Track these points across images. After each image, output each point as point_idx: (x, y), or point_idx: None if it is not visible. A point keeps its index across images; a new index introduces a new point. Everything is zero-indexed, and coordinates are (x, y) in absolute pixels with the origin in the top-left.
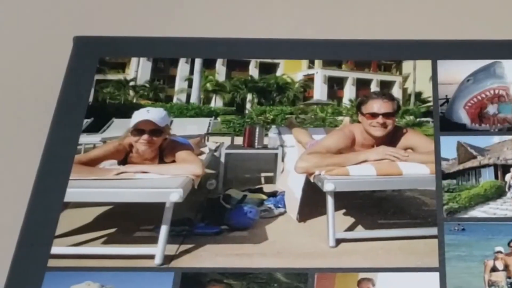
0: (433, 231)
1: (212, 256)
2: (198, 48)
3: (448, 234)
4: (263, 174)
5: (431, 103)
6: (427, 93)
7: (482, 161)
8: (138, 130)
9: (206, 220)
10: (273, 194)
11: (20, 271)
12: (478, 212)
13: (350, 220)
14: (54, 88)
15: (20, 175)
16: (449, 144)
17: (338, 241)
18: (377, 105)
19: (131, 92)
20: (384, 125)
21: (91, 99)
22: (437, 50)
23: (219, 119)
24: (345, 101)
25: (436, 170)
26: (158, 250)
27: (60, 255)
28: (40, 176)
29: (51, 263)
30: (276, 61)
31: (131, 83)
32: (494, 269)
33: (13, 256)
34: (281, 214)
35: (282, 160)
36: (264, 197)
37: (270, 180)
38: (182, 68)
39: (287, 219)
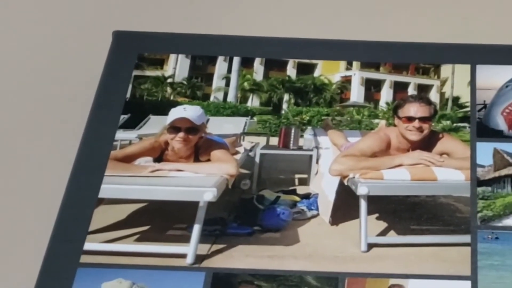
0: (466, 238)
1: (244, 257)
2: (237, 47)
3: (481, 242)
4: (297, 176)
5: (468, 108)
6: (465, 98)
7: None
8: (174, 128)
9: (239, 220)
10: (307, 196)
11: (52, 267)
12: None
13: (382, 224)
14: (92, 83)
15: (56, 170)
16: (485, 151)
17: (370, 246)
18: (413, 109)
19: (169, 89)
20: (420, 129)
21: (128, 95)
22: (476, 55)
23: (255, 118)
24: (382, 104)
25: (471, 176)
26: (190, 249)
27: (93, 252)
28: (75, 171)
29: (84, 259)
30: (314, 61)
31: (169, 80)
32: None
33: (46, 251)
34: (313, 216)
35: (317, 162)
36: (297, 198)
37: (304, 182)
38: (220, 66)
39: (320, 222)
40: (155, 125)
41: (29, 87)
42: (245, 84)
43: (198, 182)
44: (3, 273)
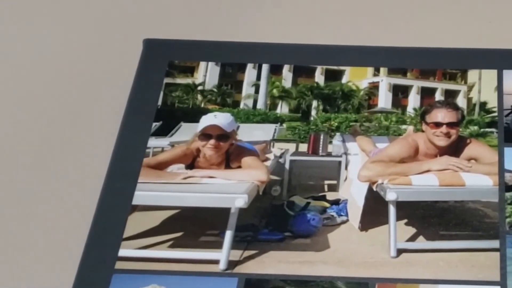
0: (495, 244)
1: (275, 263)
2: (265, 54)
3: (510, 248)
4: (326, 182)
5: (495, 114)
6: (492, 103)
7: None
8: (205, 135)
9: (270, 226)
10: (336, 202)
11: (88, 273)
12: None
13: (411, 230)
14: (124, 91)
15: (90, 177)
16: None
17: (399, 251)
18: (441, 114)
19: (199, 97)
20: (448, 135)
21: (160, 102)
22: (503, 60)
23: (284, 125)
24: (409, 109)
25: (499, 182)
26: (222, 255)
27: (128, 258)
28: (109, 178)
29: (119, 265)
30: (342, 68)
31: (199, 88)
32: None
33: (82, 257)
34: (343, 222)
35: (346, 168)
36: (327, 204)
37: (333, 188)
38: (250, 73)
39: (349, 228)
40: (186, 132)
41: (63, 96)
42: (274, 91)
43: (230, 189)
44: (39, 279)
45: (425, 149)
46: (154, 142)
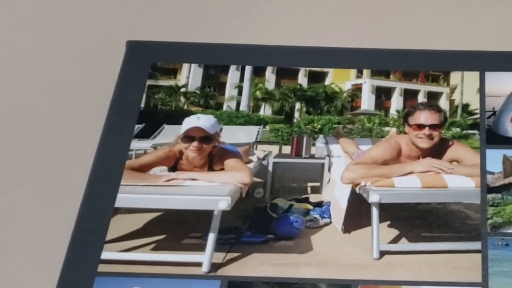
0: (477, 245)
1: (258, 265)
2: (249, 56)
3: (492, 249)
4: (309, 184)
5: (478, 116)
6: (474, 105)
7: None
8: (188, 137)
9: (253, 228)
10: (319, 204)
11: (70, 276)
12: None
13: (394, 232)
14: (107, 93)
15: (72, 180)
16: (495, 158)
17: (382, 253)
18: (424, 117)
19: (182, 99)
20: (430, 137)
21: (142, 104)
22: (485, 62)
23: (267, 127)
24: (392, 111)
25: (481, 183)
26: (205, 258)
27: (110, 261)
28: (91, 181)
29: (101, 268)
30: (325, 70)
31: (182, 90)
32: None
33: (64, 260)
34: (326, 224)
35: (329, 170)
36: (310, 207)
37: (316, 190)
38: (233, 75)
39: (332, 230)
40: (169, 134)
41: (44, 98)
42: (257, 93)
43: (213, 191)
44: (22, 282)
45: (408, 151)
46: (136, 144)
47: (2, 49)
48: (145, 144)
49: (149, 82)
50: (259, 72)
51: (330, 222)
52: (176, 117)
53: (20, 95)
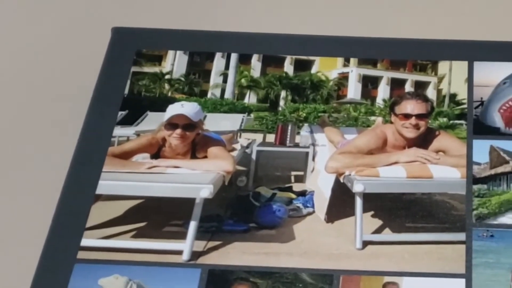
0: (461, 236)
1: (240, 254)
2: (234, 43)
3: (476, 240)
4: (293, 173)
5: (465, 106)
6: (462, 95)
7: None
8: (171, 124)
9: (235, 217)
10: (302, 194)
11: (50, 262)
12: (507, 218)
13: (378, 222)
14: (91, 79)
15: (54, 166)
16: (481, 148)
17: (365, 243)
18: (410, 106)
19: (166, 86)
20: (416, 127)
21: (126, 91)
22: (474, 51)
23: (252, 115)
24: (379, 100)
25: (467, 174)
26: (186, 246)
27: (90, 248)
28: (73, 167)
29: (81, 255)
30: (311, 58)
31: (167, 76)
32: None
33: (44, 247)
34: (309, 214)
35: (313, 159)
36: (293, 196)
37: (300, 179)
38: (218, 62)
39: (315, 219)
40: (152, 121)
41: (27, 84)
42: (243, 80)
43: (195, 179)
44: (1, 268)
45: (394, 141)
46: (119, 131)
47: None
48: (128, 131)
49: (134, 68)
50: (244, 59)
51: (313, 212)
52: (160, 104)
53: (3, 81)
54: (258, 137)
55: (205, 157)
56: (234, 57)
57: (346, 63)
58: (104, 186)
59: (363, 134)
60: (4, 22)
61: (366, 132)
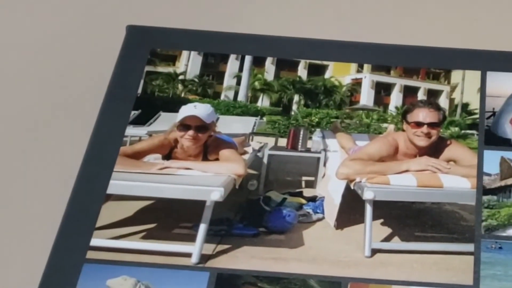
0: (470, 247)
1: (248, 258)
2: (249, 45)
3: (485, 252)
4: (304, 178)
5: (477, 116)
6: (474, 104)
7: None
8: (184, 125)
9: (245, 221)
10: (313, 199)
11: (59, 262)
12: None
13: (387, 230)
14: (104, 77)
15: (66, 164)
16: (492, 159)
17: (374, 251)
18: (422, 114)
19: (180, 86)
20: (428, 135)
21: (139, 90)
22: (487, 61)
23: (264, 119)
24: (391, 108)
25: (477, 185)
26: (195, 248)
27: (99, 248)
28: (84, 166)
29: (90, 255)
30: (325, 63)
31: (181, 77)
32: None
33: (53, 246)
34: (319, 219)
35: (324, 165)
36: (304, 201)
37: (310, 185)
38: (232, 64)
39: (325, 225)
40: (165, 122)
41: (41, 81)
42: (256, 83)
43: (206, 181)
44: (10, 266)
45: (405, 149)
46: (131, 131)
47: (1, 31)
48: (140, 131)
49: (148, 68)
50: (258, 62)
51: (323, 218)
52: (173, 105)
53: (16, 78)
54: (270, 141)
55: (217, 159)
56: (248, 59)
57: (360, 69)
58: (115, 186)
59: (375, 141)
60: (19, 19)
61: (378, 139)
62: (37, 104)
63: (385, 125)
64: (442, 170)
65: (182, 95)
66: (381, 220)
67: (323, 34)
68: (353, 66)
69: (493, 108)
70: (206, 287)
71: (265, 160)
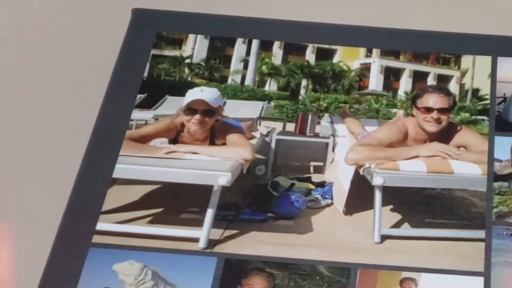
0: (481, 234)
1: (256, 244)
2: (256, 29)
3: (496, 238)
4: (312, 163)
5: (488, 101)
6: (485, 90)
7: None
8: (190, 110)
9: (253, 206)
10: (321, 185)
11: (64, 246)
12: None
13: (397, 216)
14: (110, 61)
15: (71, 147)
16: (503, 145)
17: (383, 238)
18: (432, 100)
19: (186, 70)
20: (438, 121)
21: (145, 74)
22: (498, 46)
23: (272, 103)
24: (401, 93)
25: (488, 171)
26: (202, 233)
27: (105, 232)
28: (90, 150)
29: (96, 239)
30: (333, 47)
31: (187, 61)
32: None
33: (58, 230)
34: (327, 205)
35: (333, 150)
36: (312, 186)
37: (319, 170)
38: (239, 48)
39: (333, 211)
40: (171, 106)
41: (47, 65)
42: (263, 67)
43: (213, 166)
44: (16, 250)
45: (415, 134)
46: (137, 115)
47: (6, 16)
48: (147, 114)
49: (154, 51)
50: (266, 46)
51: (332, 203)
52: (179, 89)
53: (21, 63)
54: (278, 125)
55: (224, 144)
56: (255, 43)
57: (369, 53)
58: (121, 169)
59: (384, 127)
60: (23, 2)
61: (387, 124)
62: (43, 88)
63: (394, 110)
64: (452, 156)
65: (189, 79)
66: (391, 206)
67: (331, 18)
68: (362, 50)
69: (504, 94)
70: (213, 272)
71: (273, 145)
